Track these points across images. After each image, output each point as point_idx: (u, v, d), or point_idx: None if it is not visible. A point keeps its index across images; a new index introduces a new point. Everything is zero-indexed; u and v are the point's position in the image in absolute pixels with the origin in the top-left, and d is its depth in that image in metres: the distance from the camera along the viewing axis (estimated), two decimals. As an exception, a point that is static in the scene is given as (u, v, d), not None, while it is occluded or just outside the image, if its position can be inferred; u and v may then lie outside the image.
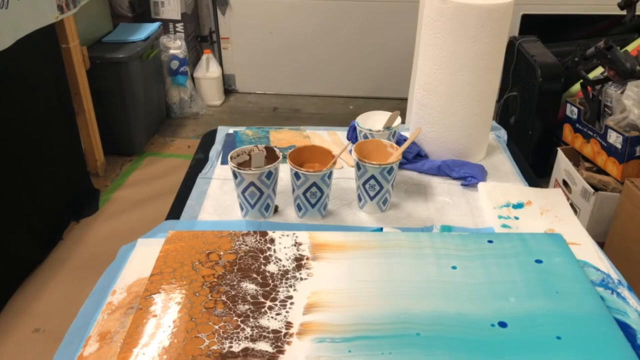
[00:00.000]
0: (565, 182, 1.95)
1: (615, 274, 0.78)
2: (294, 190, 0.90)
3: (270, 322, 0.67)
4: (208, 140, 1.18)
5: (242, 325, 0.66)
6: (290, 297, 0.70)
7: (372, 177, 0.89)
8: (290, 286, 0.72)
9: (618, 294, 0.74)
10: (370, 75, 3.30)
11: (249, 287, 0.72)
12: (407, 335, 0.65)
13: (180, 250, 0.78)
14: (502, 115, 2.53)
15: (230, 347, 0.63)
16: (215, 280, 0.73)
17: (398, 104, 2.91)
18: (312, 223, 0.91)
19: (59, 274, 1.84)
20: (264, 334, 0.65)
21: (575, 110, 2.00)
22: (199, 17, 3.24)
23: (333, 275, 0.74)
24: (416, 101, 1.10)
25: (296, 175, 0.88)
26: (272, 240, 0.81)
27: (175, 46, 2.95)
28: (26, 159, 1.81)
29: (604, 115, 1.87)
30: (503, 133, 1.21)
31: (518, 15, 2.78)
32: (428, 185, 1.02)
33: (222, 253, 0.78)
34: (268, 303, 0.69)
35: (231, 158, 0.88)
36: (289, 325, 0.66)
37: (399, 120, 1.03)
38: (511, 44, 2.40)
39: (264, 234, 0.82)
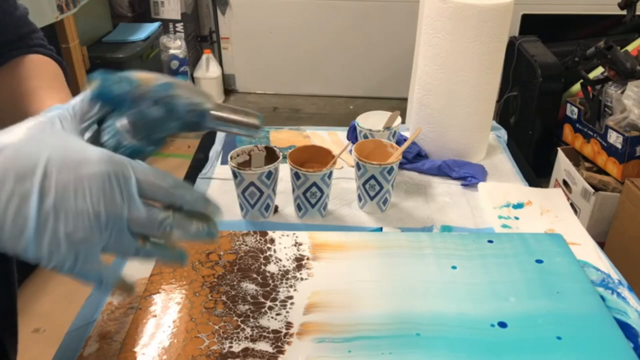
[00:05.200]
0: (565, 182, 1.95)
1: (615, 274, 0.78)
2: (294, 190, 0.90)
3: (270, 322, 0.67)
4: (208, 140, 1.18)
5: (242, 326, 0.66)
6: (291, 297, 0.70)
7: (372, 177, 0.89)
8: (291, 286, 0.72)
9: (618, 294, 0.74)
10: (370, 75, 3.30)
11: (249, 287, 0.72)
12: (407, 335, 0.65)
13: (180, 250, 0.78)
14: (502, 115, 2.53)
15: (230, 347, 0.63)
16: (215, 280, 0.73)
17: (398, 104, 2.91)
18: (312, 223, 0.91)
19: (59, 274, 1.84)
20: (264, 334, 0.65)
21: (576, 110, 2.00)
22: (199, 17, 3.24)
23: (333, 276, 0.74)
24: (416, 101, 1.10)
25: (296, 175, 0.88)
26: (272, 240, 0.81)
27: (175, 46, 2.95)
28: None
29: (604, 115, 1.87)
30: (503, 133, 1.21)
31: (518, 15, 2.79)
32: (428, 185, 1.02)
33: (222, 253, 0.78)
34: (268, 303, 0.69)
35: (231, 158, 0.88)
36: (289, 325, 0.66)
37: (399, 120, 1.03)
38: (511, 44, 2.40)
39: (264, 234, 0.82)
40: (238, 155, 0.90)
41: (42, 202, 0.35)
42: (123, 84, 0.41)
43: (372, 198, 0.91)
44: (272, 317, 0.67)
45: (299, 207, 0.91)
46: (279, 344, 0.64)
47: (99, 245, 0.38)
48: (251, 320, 0.67)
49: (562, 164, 1.98)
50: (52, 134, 0.37)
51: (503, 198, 0.95)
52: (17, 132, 0.37)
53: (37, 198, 0.35)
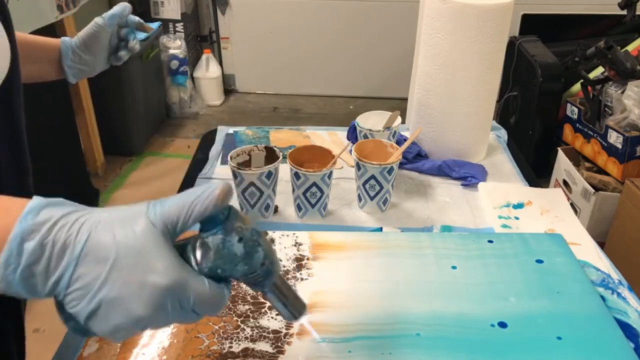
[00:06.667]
0: (565, 182, 1.95)
1: (615, 274, 0.78)
2: (294, 190, 0.90)
3: (270, 322, 0.67)
4: (208, 140, 1.18)
5: (242, 326, 0.66)
6: (290, 297, 0.70)
7: (372, 177, 0.89)
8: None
9: (618, 294, 0.74)
10: (370, 75, 3.30)
11: (249, 287, 0.72)
12: (407, 335, 0.65)
13: (180, 250, 0.78)
14: (502, 115, 2.53)
15: (230, 347, 0.63)
16: (215, 280, 0.73)
17: (398, 104, 2.91)
18: (312, 223, 0.91)
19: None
20: (264, 334, 0.65)
21: (576, 110, 2.00)
22: (199, 17, 3.24)
23: (333, 276, 0.74)
24: (416, 101, 1.10)
25: (296, 175, 0.88)
26: (272, 240, 0.80)
27: (175, 46, 2.95)
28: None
29: (604, 115, 1.86)
30: (503, 133, 1.21)
31: (518, 15, 2.78)
32: (428, 185, 1.02)
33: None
34: (268, 303, 0.69)
35: (231, 158, 0.88)
36: (289, 325, 0.66)
37: (399, 120, 1.03)
38: (511, 44, 2.40)
39: (264, 234, 0.82)
40: (238, 155, 0.90)
41: (103, 289, 0.39)
42: (224, 211, 0.43)
43: (372, 198, 0.91)
44: (272, 317, 0.67)
45: (299, 207, 0.91)
46: (279, 344, 0.64)
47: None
48: (251, 320, 0.67)
49: (562, 164, 1.98)
50: (144, 233, 0.40)
51: (503, 198, 0.95)
52: (120, 216, 0.40)
53: (100, 284, 0.39)
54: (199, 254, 0.42)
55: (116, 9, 0.83)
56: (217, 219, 0.43)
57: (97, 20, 0.82)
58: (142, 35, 0.88)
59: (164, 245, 0.40)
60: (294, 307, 0.49)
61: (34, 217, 0.39)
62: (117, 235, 0.39)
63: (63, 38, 0.84)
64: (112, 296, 0.39)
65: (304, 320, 0.49)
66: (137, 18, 0.86)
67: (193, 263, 0.42)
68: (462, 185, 1.01)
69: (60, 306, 0.41)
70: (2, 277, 0.38)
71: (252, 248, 0.44)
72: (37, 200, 0.40)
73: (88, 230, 0.39)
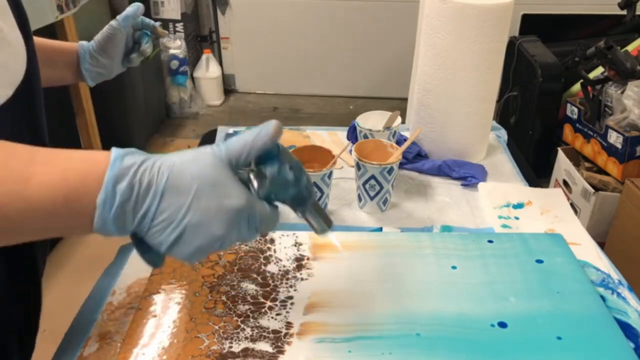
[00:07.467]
0: (565, 182, 1.95)
1: (615, 274, 0.78)
2: (294, 190, 0.90)
3: (270, 322, 0.67)
4: (208, 140, 1.18)
5: (242, 326, 0.66)
6: (291, 298, 0.70)
7: (372, 177, 0.89)
8: (291, 286, 0.72)
9: (618, 294, 0.74)
10: (370, 75, 3.30)
11: (249, 287, 0.72)
12: (407, 335, 0.65)
13: (180, 250, 0.78)
14: (502, 115, 2.53)
15: (230, 347, 0.63)
16: (215, 280, 0.73)
17: (398, 104, 2.91)
18: (312, 223, 0.90)
19: (59, 274, 1.84)
20: (264, 334, 0.65)
21: (576, 110, 2.00)
22: (199, 17, 3.24)
23: (333, 276, 0.74)
24: (416, 101, 1.10)
25: (296, 175, 0.87)
26: (272, 241, 0.81)
27: (175, 46, 2.95)
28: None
29: (604, 115, 1.87)
30: (503, 133, 1.21)
31: (518, 15, 2.78)
32: (428, 185, 1.02)
33: (222, 253, 0.77)
34: (268, 303, 0.69)
35: (231, 158, 0.88)
36: (289, 325, 0.66)
37: (399, 120, 1.03)
38: (511, 44, 2.40)
39: (264, 234, 0.82)
40: (238, 155, 0.90)
41: (187, 217, 0.45)
42: (276, 146, 0.51)
43: (372, 198, 0.91)
44: (272, 317, 0.67)
45: (299, 207, 0.91)
46: (279, 344, 0.64)
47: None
48: (251, 320, 0.67)
49: (562, 164, 1.98)
50: (214, 167, 0.47)
51: (503, 198, 0.95)
52: (193, 156, 0.47)
53: (184, 213, 0.45)
54: (256, 182, 0.50)
55: (129, 9, 0.84)
56: (271, 153, 0.51)
57: (112, 22, 0.84)
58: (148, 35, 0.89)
59: (232, 176, 0.48)
60: (326, 221, 0.57)
61: (120, 163, 0.45)
62: (193, 171, 0.46)
63: (80, 42, 0.86)
64: (196, 221, 0.45)
65: (332, 236, 0.63)
66: (152, 22, 0.87)
67: (252, 190, 0.50)
68: (462, 185, 1.01)
69: (139, 242, 0.48)
70: (99, 215, 0.44)
71: (299, 174, 0.52)
72: (117, 150, 0.46)
73: (167, 170, 0.45)
